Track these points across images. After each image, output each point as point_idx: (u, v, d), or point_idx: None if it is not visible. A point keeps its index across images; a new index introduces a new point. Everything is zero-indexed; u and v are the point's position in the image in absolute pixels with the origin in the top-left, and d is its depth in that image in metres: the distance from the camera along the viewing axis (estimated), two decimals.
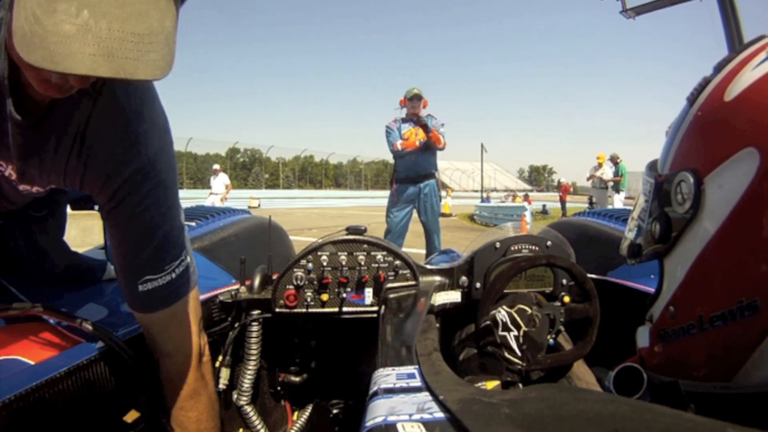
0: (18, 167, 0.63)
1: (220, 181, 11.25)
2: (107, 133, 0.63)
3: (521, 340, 0.75)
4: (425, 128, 4.14)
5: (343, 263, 1.00)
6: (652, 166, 0.59)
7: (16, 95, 0.55)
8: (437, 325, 0.93)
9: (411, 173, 4.28)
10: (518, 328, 0.75)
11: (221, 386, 1.00)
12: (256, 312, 1.04)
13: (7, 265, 0.91)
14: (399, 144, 4.26)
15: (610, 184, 9.60)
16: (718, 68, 0.49)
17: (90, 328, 0.71)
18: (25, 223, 0.88)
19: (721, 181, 0.45)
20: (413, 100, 4.23)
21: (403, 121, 4.36)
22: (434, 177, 4.30)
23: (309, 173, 50.84)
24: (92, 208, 1.17)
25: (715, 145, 0.47)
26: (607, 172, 9.78)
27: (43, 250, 0.91)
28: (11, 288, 0.83)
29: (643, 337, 0.59)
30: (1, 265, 0.91)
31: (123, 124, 0.63)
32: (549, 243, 0.97)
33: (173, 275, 0.71)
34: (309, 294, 1.00)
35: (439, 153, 4.33)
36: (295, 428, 1.17)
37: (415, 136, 4.20)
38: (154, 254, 0.69)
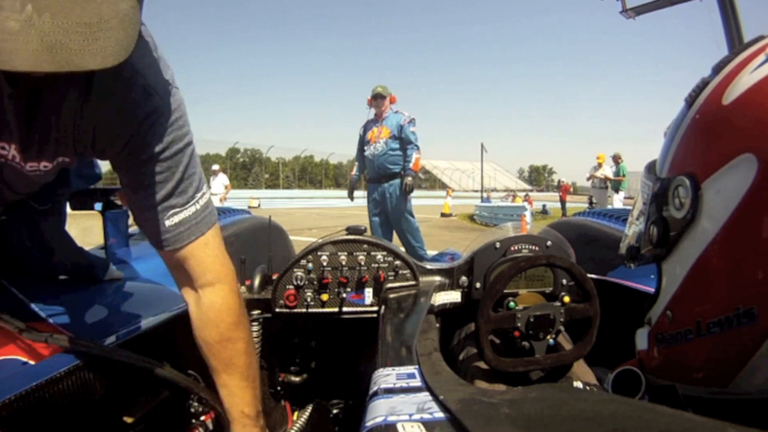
0: (21, 143, 0.63)
1: (219, 182, 11.24)
2: (114, 80, 0.62)
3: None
4: (407, 189, 4.08)
5: (343, 263, 1.00)
6: (650, 168, 0.58)
7: None
8: (437, 325, 0.93)
9: (374, 174, 4.17)
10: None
11: None
12: (256, 312, 1.04)
13: (9, 264, 0.91)
14: (354, 168, 4.40)
15: (610, 182, 9.59)
16: (717, 69, 0.49)
17: (66, 342, 0.68)
18: (29, 216, 0.88)
19: (718, 187, 0.45)
20: (376, 99, 4.11)
21: (369, 122, 4.26)
22: (398, 176, 4.11)
23: (309, 173, 50.83)
24: (92, 208, 1.18)
25: (713, 149, 0.46)
26: (608, 172, 9.78)
27: (48, 243, 0.91)
28: (12, 288, 0.83)
29: (641, 339, 0.59)
30: (3, 263, 0.91)
31: (128, 69, 0.63)
32: (549, 243, 0.97)
33: (198, 206, 0.72)
34: (309, 294, 1.00)
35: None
36: (295, 428, 1.17)
37: (377, 136, 4.11)
38: (177, 187, 0.70)
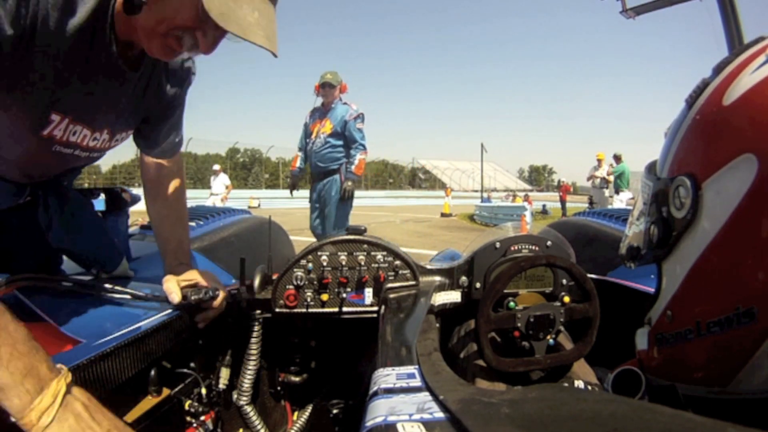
0: (119, 122, 0.90)
1: (221, 182, 11.23)
2: (179, 67, 0.97)
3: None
4: (345, 194, 3.68)
5: (343, 263, 1.00)
6: (650, 168, 0.58)
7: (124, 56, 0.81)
8: (437, 325, 0.93)
9: (313, 170, 3.85)
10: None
11: (221, 386, 1.00)
12: (256, 312, 1.04)
13: (32, 243, 0.98)
14: (297, 160, 4.00)
15: (612, 176, 9.60)
16: (717, 70, 0.49)
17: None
18: (58, 190, 1.00)
19: (718, 188, 0.45)
20: (324, 87, 3.70)
21: (314, 111, 3.89)
22: (337, 173, 3.74)
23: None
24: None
25: (714, 150, 0.46)
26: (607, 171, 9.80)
27: (73, 214, 1.03)
28: (20, 295, 0.83)
29: (641, 339, 0.59)
30: (27, 240, 0.99)
31: (181, 65, 0.98)
32: (549, 243, 0.97)
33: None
34: (309, 294, 1.00)
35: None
36: (295, 428, 1.17)
37: (319, 130, 3.75)
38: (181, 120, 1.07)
